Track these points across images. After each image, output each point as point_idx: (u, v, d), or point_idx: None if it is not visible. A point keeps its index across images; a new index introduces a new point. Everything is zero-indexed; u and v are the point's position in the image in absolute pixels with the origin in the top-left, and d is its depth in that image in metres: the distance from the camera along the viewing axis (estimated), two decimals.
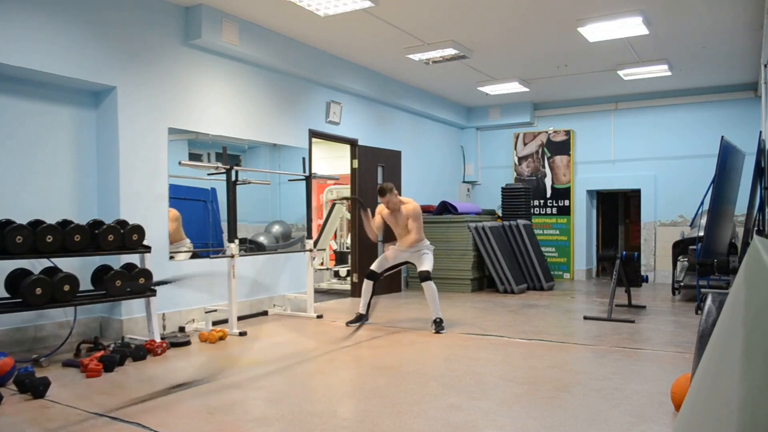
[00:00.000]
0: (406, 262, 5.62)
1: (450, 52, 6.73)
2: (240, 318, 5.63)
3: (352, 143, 7.73)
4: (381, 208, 5.59)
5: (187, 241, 5.92)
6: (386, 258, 5.56)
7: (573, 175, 9.82)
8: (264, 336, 5.08)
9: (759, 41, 6.46)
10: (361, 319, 5.54)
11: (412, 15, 5.76)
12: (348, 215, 8.78)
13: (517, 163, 10.22)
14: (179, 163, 5.06)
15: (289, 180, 6.51)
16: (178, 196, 5.68)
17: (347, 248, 8.86)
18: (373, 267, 5.58)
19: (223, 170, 5.20)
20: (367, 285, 5.55)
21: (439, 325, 5.16)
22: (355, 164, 7.72)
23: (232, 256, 5.16)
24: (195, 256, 5.90)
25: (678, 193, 8.96)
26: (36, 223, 4.03)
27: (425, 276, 5.27)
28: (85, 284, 4.38)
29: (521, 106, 9.97)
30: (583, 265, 9.82)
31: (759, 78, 7.63)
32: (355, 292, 7.41)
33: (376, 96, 7.96)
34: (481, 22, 6.00)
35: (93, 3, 4.73)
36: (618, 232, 11.01)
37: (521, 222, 8.44)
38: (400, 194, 5.59)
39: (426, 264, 5.37)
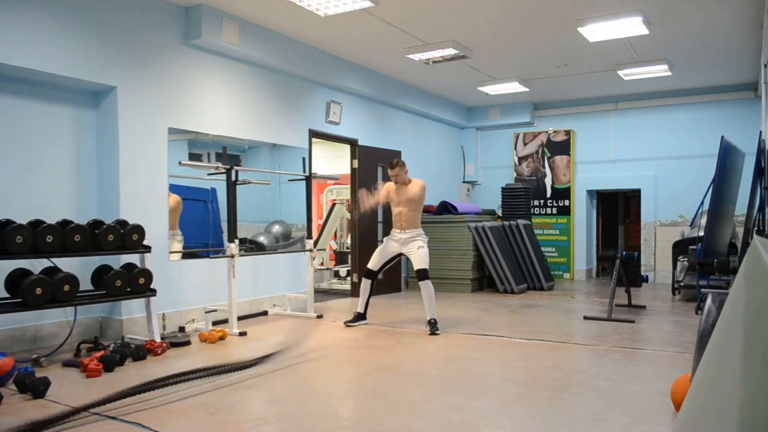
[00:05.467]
0: (401, 254, 5.52)
1: (450, 52, 6.73)
2: (240, 318, 5.63)
3: (352, 143, 7.73)
4: (389, 185, 5.55)
5: (179, 232, 5.85)
6: (381, 253, 5.52)
7: (573, 175, 9.82)
8: (264, 336, 5.08)
9: (759, 41, 6.46)
10: (359, 318, 5.54)
11: (412, 15, 5.76)
12: (348, 215, 8.77)
13: (517, 163, 10.22)
14: (179, 163, 5.06)
15: (289, 180, 6.51)
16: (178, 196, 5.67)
17: (347, 248, 8.86)
18: (369, 265, 5.56)
19: (223, 170, 5.20)
20: (365, 284, 5.54)
21: (433, 326, 5.13)
22: (355, 164, 7.72)
23: (232, 256, 5.17)
24: (195, 255, 5.90)
25: (678, 193, 8.96)
26: (36, 223, 4.03)
27: (423, 275, 5.26)
28: (85, 284, 4.38)
29: (521, 106, 9.97)
30: (583, 265, 9.82)
31: (759, 78, 7.62)
32: (355, 292, 7.39)
33: (376, 96, 7.96)
34: (481, 22, 5.99)
35: (93, 3, 4.73)
36: (618, 232, 11.01)
37: (521, 222, 8.44)
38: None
39: (422, 261, 5.31)
